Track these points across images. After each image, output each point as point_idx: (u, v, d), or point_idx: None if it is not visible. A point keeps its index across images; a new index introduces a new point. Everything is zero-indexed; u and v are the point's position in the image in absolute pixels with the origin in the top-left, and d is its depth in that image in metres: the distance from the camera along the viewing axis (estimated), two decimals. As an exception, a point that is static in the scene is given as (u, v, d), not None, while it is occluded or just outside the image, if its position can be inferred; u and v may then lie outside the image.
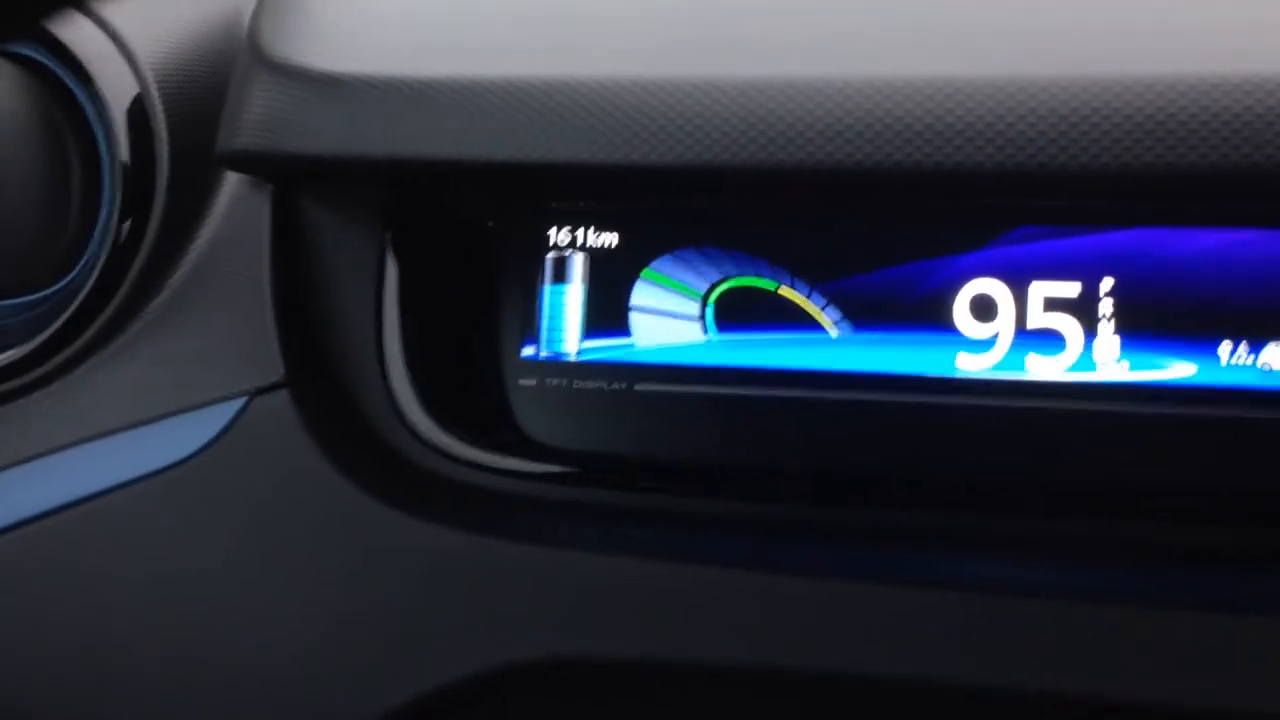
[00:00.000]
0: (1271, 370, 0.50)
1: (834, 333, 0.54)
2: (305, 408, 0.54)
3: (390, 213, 0.56)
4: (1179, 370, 0.51)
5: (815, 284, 0.54)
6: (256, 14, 0.54)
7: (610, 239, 0.56)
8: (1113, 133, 0.45)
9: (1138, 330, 0.51)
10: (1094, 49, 0.46)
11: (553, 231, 0.56)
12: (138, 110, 0.56)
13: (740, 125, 0.48)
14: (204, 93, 0.57)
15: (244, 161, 0.55)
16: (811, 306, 0.54)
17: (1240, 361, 0.51)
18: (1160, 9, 0.47)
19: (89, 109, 0.57)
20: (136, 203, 0.56)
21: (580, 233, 0.56)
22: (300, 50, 0.52)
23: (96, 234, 0.57)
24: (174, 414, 0.55)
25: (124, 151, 0.56)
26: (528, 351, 0.56)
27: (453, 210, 0.57)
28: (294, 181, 0.56)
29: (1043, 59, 0.46)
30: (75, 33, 0.57)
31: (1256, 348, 0.50)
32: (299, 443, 0.54)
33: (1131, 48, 0.46)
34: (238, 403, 0.55)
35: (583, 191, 0.56)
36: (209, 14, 0.59)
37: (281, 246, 0.56)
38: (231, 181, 0.57)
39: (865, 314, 0.54)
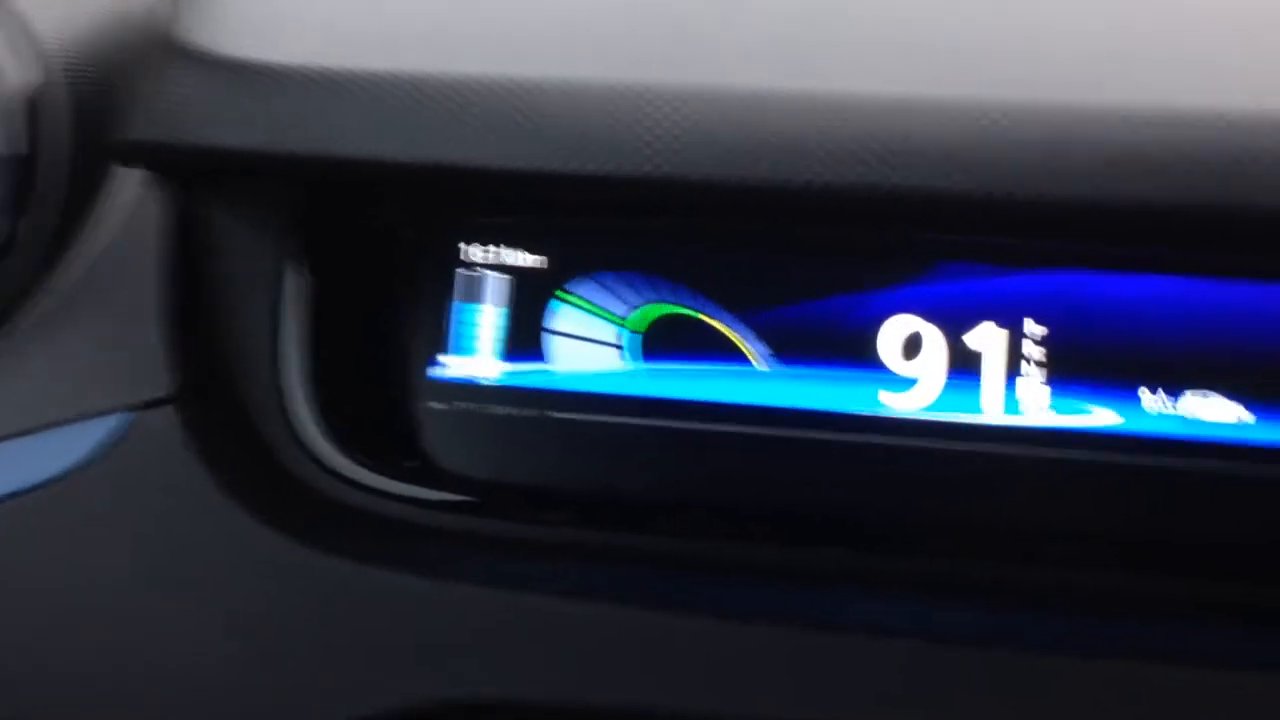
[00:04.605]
0: (1194, 419, 0.51)
1: (759, 365, 0.53)
2: (193, 426, 0.50)
3: (295, 219, 0.52)
4: (1103, 417, 0.51)
5: (740, 314, 0.53)
6: None
7: (529, 259, 0.54)
8: (1078, 164, 0.44)
9: (1063, 375, 0.51)
10: (1060, 76, 0.46)
11: (467, 247, 0.54)
12: (37, 102, 0.51)
13: (676, 135, 0.47)
14: (111, 87, 0.53)
15: (147, 154, 0.50)
16: (736, 337, 0.53)
17: (1164, 410, 0.51)
18: (1129, 39, 0.47)
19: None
20: (23, 199, 0.51)
21: (498, 250, 0.54)
22: (217, 37, 0.49)
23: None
24: (45, 428, 0.51)
25: (21, 144, 0.51)
26: (436, 373, 0.54)
27: (364, 219, 0.54)
28: (193, 181, 0.52)
29: (1009, 84, 0.46)
30: (-33, 13, 0.52)
31: (1178, 396, 0.51)
32: (184, 463, 0.50)
33: (1100, 77, 0.46)
34: (118, 418, 0.50)
35: (503, 205, 0.53)
36: (122, 4, 0.55)
37: (174, 251, 0.52)
38: (127, 181, 0.53)
39: (791, 347, 0.52)
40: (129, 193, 0.53)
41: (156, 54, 0.49)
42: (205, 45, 0.48)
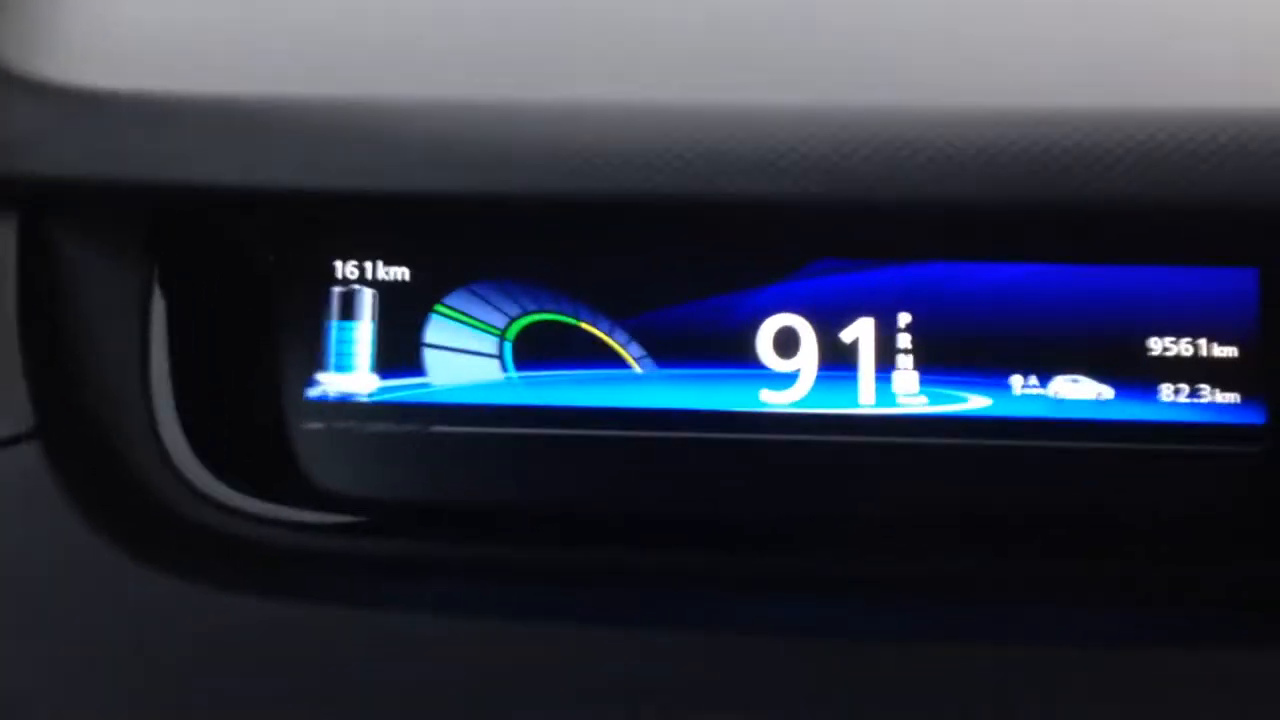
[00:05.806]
0: (1062, 400, 0.52)
1: (637, 369, 0.53)
2: (59, 461, 0.49)
3: (156, 242, 0.51)
4: (975, 402, 0.52)
5: (617, 319, 0.53)
6: None
7: (401, 273, 0.53)
8: (927, 166, 0.45)
9: (934, 364, 0.52)
10: (916, 79, 0.47)
11: (339, 264, 0.53)
12: None
13: (539, 151, 0.46)
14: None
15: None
16: (613, 342, 0.53)
17: (1032, 392, 0.52)
18: (982, 42, 0.48)
19: None
20: None
21: (369, 266, 0.53)
22: (46, 63, 0.47)
23: None
24: (-101, 472, 0.48)
25: None
26: (314, 393, 0.53)
27: (228, 240, 0.53)
28: (40, 210, 0.50)
29: (865, 89, 0.46)
30: None
31: (1046, 379, 0.52)
32: (52, 501, 0.48)
33: (954, 79, 0.47)
34: (-23, 457, 0.48)
35: (369, 222, 0.52)
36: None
37: (30, 279, 0.50)
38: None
39: (668, 349, 0.53)
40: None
41: None
42: (35, 72, 0.47)
